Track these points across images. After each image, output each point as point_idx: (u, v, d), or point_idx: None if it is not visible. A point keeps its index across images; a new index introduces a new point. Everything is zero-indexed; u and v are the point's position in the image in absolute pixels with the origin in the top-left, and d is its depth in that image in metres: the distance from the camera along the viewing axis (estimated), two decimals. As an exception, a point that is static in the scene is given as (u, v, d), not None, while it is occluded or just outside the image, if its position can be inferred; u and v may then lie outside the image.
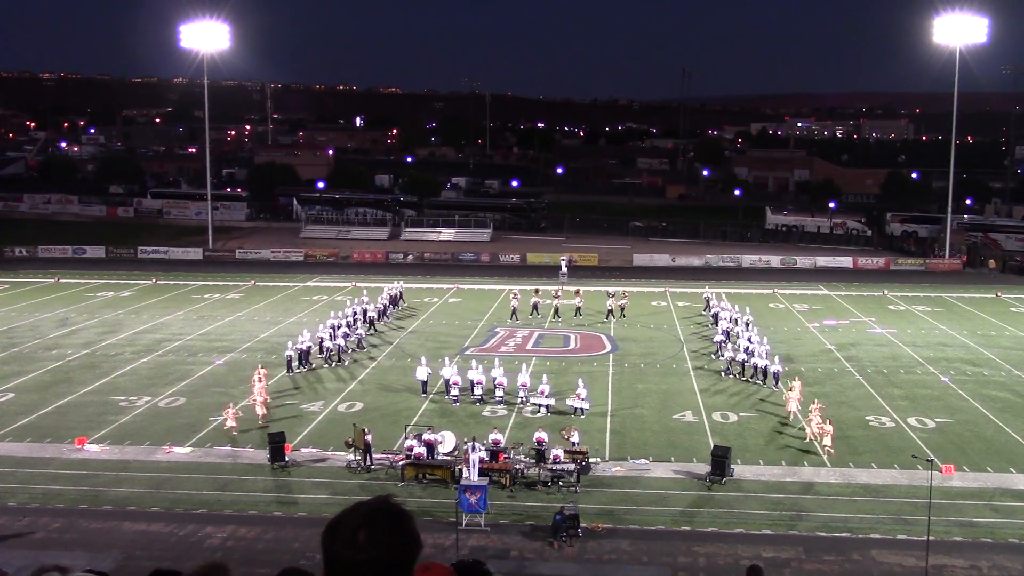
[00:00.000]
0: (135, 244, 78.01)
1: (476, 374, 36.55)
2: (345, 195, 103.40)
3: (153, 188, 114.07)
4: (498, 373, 36.50)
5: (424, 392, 36.95)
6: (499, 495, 26.80)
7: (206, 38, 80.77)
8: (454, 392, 36.20)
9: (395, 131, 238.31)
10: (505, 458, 28.29)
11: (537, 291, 54.75)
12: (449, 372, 37.27)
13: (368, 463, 29.04)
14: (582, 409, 34.49)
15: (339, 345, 43.34)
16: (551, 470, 27.90)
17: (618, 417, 34.69)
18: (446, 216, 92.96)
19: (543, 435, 29.11)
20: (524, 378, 36.17)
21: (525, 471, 28.25)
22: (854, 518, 25.87)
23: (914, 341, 47.66)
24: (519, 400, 35.59)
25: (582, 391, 34.91)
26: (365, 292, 54.26)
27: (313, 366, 41.42)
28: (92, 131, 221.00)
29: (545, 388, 35.22)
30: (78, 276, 66.57)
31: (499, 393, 36.11)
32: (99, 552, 23.49)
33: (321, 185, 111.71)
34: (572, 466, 27.93)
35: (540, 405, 34.84)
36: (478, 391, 36.05)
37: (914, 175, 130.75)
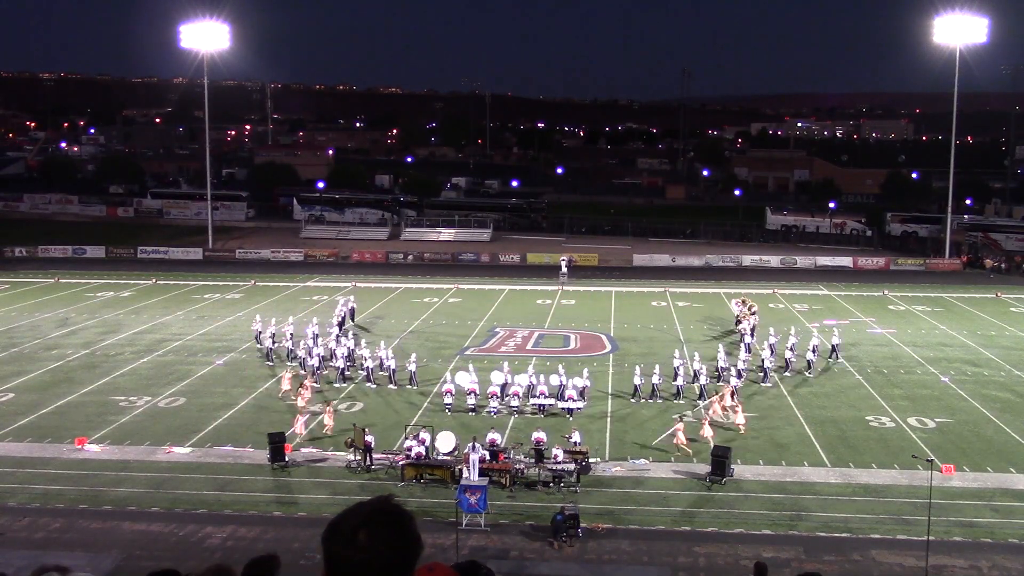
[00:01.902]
0: (135, 244, 78.01)
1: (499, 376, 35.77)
2: (345, 195, 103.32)
3: (153, 188, 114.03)
4: (524, 380, 35.65)
5: (502, 397, 35.07)
6: (499, 495, 26.80)
7: (206, 38, 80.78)
8: (471, 401, 34.84)
9: (395, 131, 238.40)
10: (505, 458, 28.30)
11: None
12: (466, 379, 35.78)
13: (368, 463, 29.05)
14: (570, 409, 34.01)
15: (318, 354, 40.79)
16: (551, 470, 27.90)
17: (618, 417, 34.70)
18: (446, 216, 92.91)
19: (542, 435, 29.14)
20: (528, 379, 36.00)
21: (525, 471, 28.25)
22: (854, 518, 25.87)
23: (914, 341, 47.66)
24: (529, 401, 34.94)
25: (574, 392, 34.34)
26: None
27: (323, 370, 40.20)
28: (92, 131, 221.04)
29: (544, 389, 34.92)
30: (78, 276, 66.55)
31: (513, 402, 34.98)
32: (99, 552, 23.50)
33: (321, 185, 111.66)
34: (572, 466, 27.93)
35: (540, 405, 34.56)
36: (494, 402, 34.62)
37: (914, 175, 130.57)
